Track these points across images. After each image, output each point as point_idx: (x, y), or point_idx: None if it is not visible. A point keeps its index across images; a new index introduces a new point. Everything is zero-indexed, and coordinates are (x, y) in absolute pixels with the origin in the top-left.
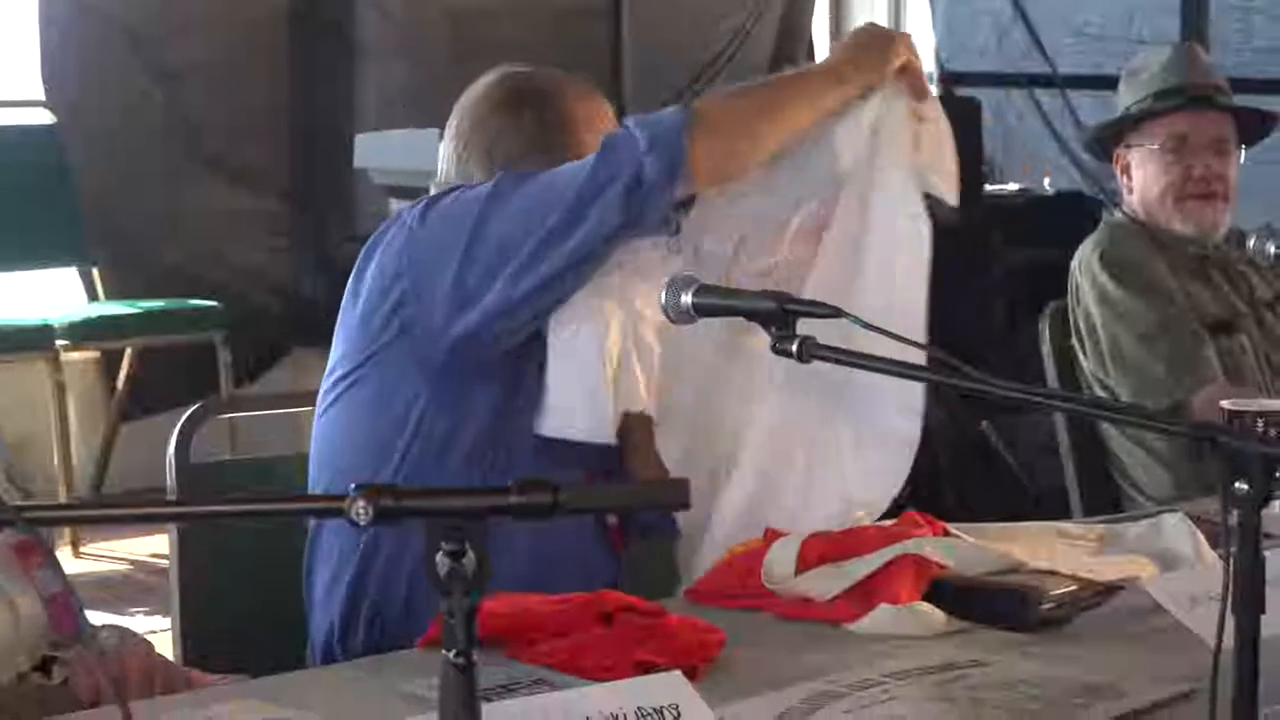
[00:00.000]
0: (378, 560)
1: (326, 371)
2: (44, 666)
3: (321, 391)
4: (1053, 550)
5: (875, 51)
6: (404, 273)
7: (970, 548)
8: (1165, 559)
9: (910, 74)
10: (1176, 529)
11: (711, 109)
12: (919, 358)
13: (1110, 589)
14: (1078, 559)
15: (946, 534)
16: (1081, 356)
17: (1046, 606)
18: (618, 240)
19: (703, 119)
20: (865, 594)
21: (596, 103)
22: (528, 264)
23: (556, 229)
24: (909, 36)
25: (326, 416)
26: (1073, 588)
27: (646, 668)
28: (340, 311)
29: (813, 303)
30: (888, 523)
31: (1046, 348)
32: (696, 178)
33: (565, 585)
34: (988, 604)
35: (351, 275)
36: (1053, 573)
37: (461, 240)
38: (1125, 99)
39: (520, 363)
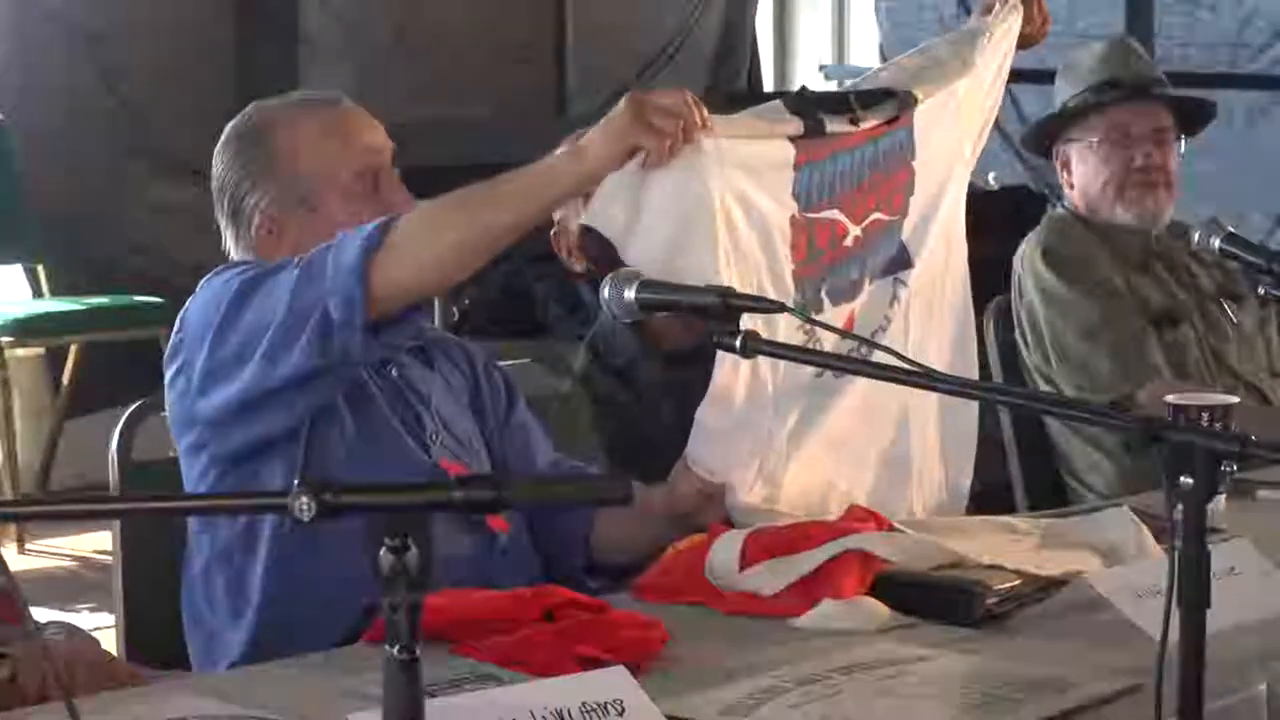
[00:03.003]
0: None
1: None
2: None
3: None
4: (997, 545)
5: (623, 115)
6: (179, 349)
7: (914, 542)
8: (1109, 553)
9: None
10: (1120, 523)
11: (406, 226)
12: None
13: (1054, 583)
14: (1022, 553)
15: (891, 529)
16: (1025, 351)
17: (990, 601)
18: (344, 372)
19: (389, 240)
20: (809, 589)
21: (312, 117)
22: (268, 362)
23: (271, 351)
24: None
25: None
26: (1016, 582)
27: (590, 663)
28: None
29: (756, 297)
30: (831, 517)
31: (990, 343)
32: (380, 304)
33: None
34: (932, 599)
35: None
36: (996, 567)
37: (215, 321)
38: (1063, 94)
39: (310, 437)
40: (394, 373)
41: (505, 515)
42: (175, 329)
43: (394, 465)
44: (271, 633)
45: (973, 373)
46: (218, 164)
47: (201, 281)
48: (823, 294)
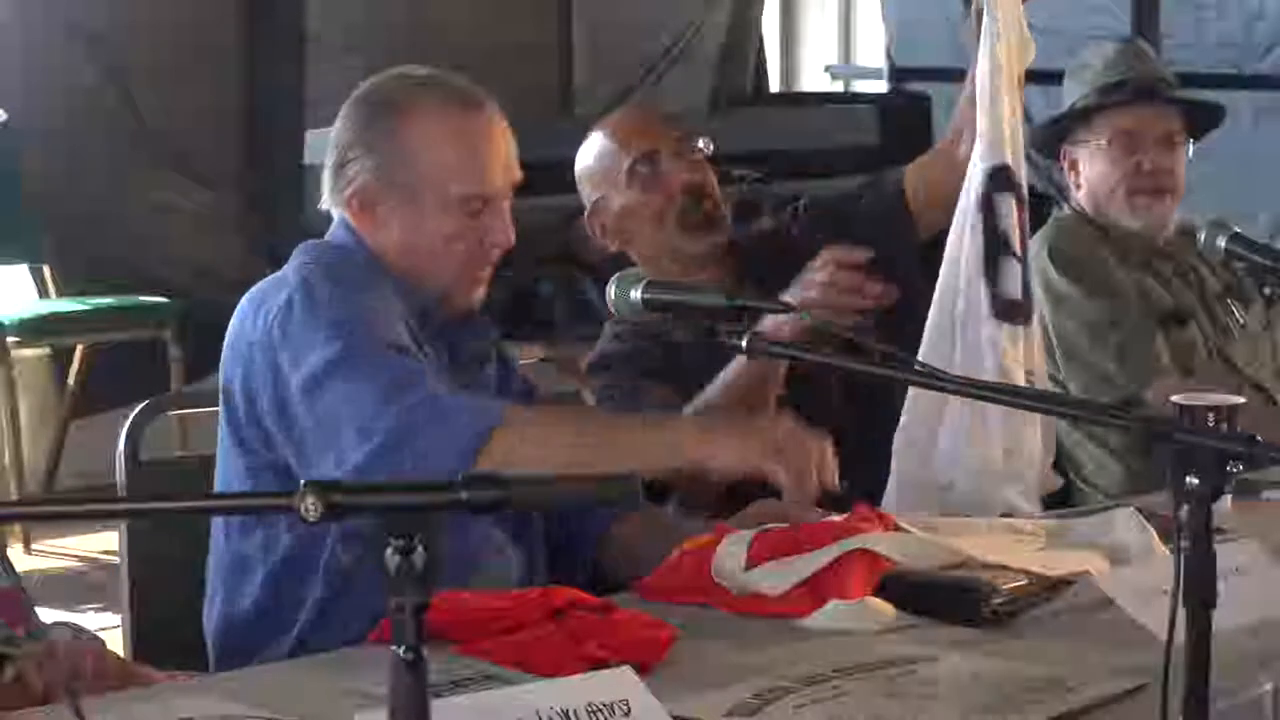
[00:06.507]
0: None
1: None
2: None
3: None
4: (1003, 545)
5: (760, 439)
6: (252, 390)
7: (920, 543)
8: (1116, 553)
9: None
10: (1127, 523)
11: (503, 451)
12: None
13: (1061, 584)
14: (1028, 554)
15: (897, 528)
16: None
17: (997, 601)
18: None
19: (480, 465)
20: (815, 589)
21: (449, 117)
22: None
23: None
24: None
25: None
26: (1023, 582)
27: (597, 664)
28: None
29: (761, 299)
30: (838, 517)
31: None
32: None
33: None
34: (938, 599)
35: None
36: (1003, 567)
37: (284, 394)
38: (1071, 95)
39: None
40: (460, 381)
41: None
42: (236, 327)
43: None
44: (322, 632)
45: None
46: (340, 117)
47: (271, 282)
48: None
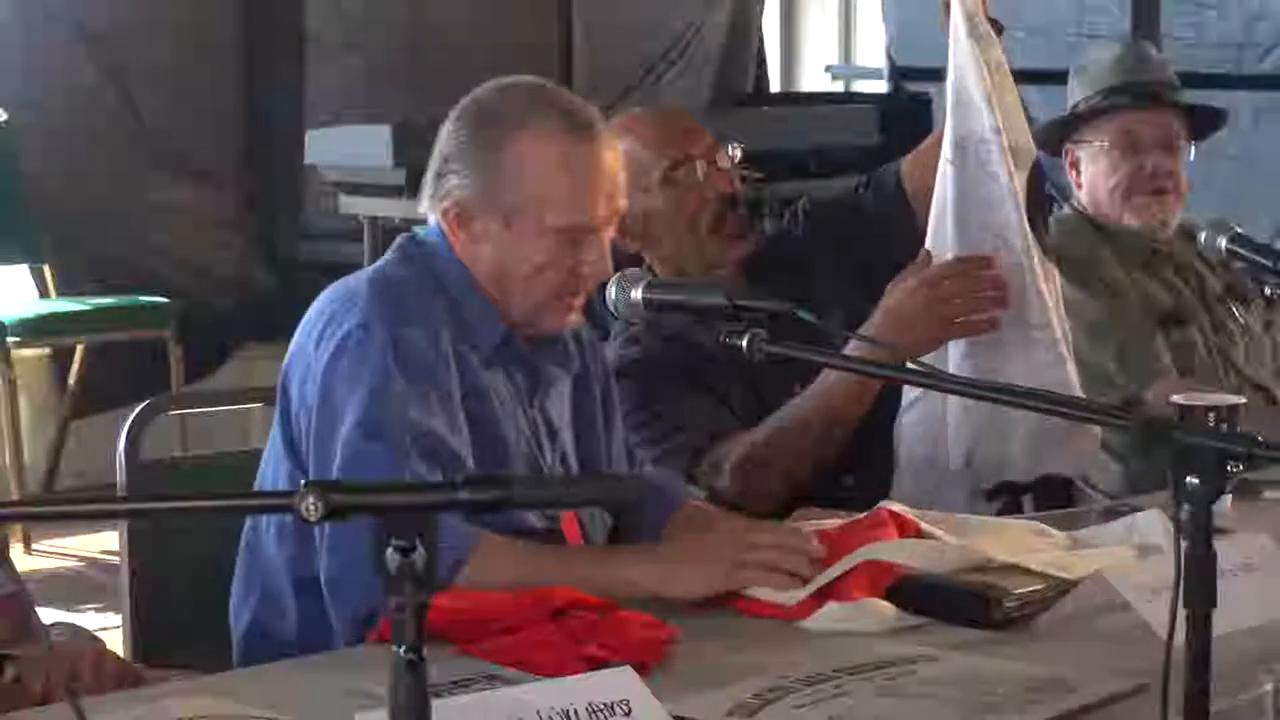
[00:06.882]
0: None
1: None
2: None
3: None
4: (1025, 546)
5: (719, 566)
6: (299, 412)
7: (932, 548)
8: (1142, 554)
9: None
10: (1152, 525)
11: (470, 578)
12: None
13: (1073, 586)
14: (1050, 555)
15: (918, 531)
16: None
17: (1010, 605)
18: None
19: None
20: (817, 590)
21: (558, 142)
22: None
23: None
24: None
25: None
26: (1038, 586)
27: (597, 664)
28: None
29: (763, 299)
30: (860, 515)
31: None
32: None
33: None
34: (948, 603)
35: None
36: (1019, 569)
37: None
38: (1075, 95)
39: None
40: (535, 405)
41: (585, 530)
42: (302, 335)
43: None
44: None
45: None
46: (447, 124)
47: (342, 297)
48: None
